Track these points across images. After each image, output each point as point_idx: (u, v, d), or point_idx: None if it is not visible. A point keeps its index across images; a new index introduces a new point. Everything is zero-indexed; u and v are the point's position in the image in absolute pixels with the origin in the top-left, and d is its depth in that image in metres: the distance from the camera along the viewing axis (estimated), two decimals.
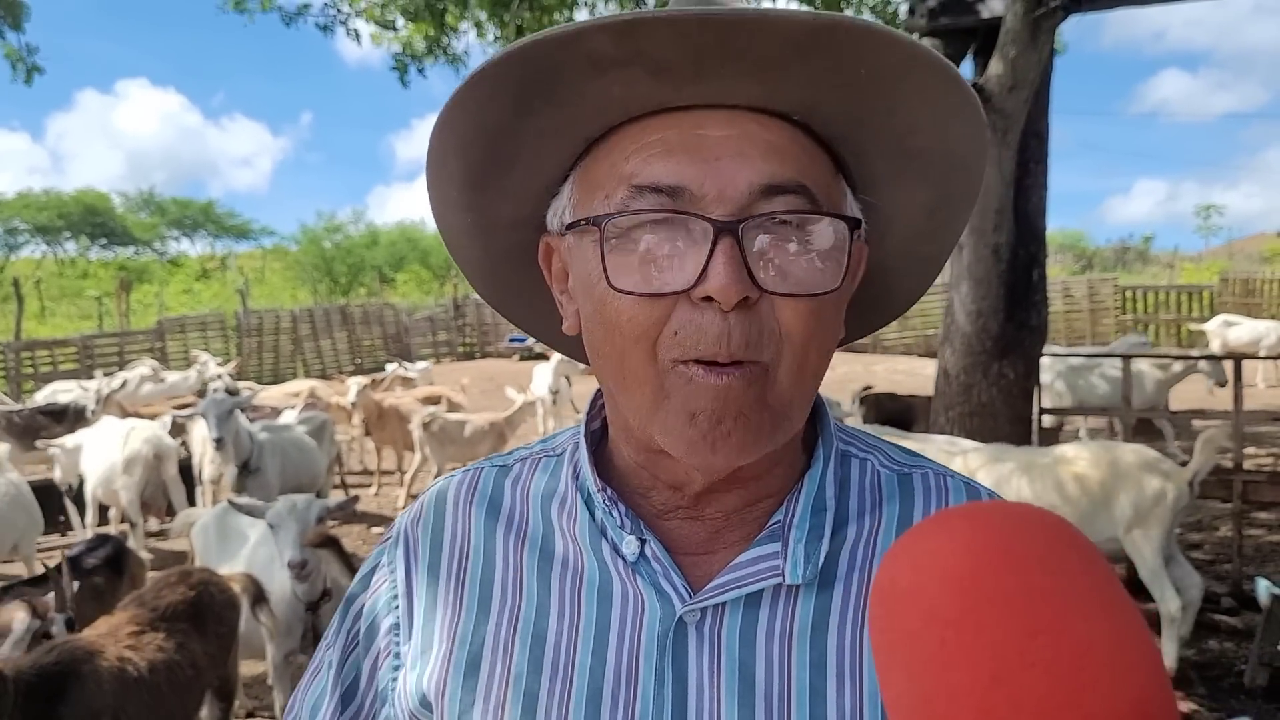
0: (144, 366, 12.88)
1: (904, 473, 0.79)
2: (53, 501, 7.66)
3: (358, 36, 8.22)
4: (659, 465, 0.73)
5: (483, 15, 8.08)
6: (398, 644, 0.81)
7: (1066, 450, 4.84)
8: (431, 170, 0.75)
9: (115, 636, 3.03)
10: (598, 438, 0.81)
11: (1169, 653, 4.46)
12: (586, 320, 0.72)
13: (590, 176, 0.71)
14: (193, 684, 3.26)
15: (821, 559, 0.71)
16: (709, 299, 0.63)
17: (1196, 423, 8.24)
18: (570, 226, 0.71)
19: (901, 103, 0.67)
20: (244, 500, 3.98)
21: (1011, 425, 6.04)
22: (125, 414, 8.58)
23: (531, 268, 0.80)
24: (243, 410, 6.69)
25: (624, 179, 0.67)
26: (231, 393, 7.46)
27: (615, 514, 0.74)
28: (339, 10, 8.27)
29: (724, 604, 0.71)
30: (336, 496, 5.09)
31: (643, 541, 0.73)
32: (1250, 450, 9.07)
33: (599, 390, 0.82)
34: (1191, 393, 12.87)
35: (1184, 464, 4.73)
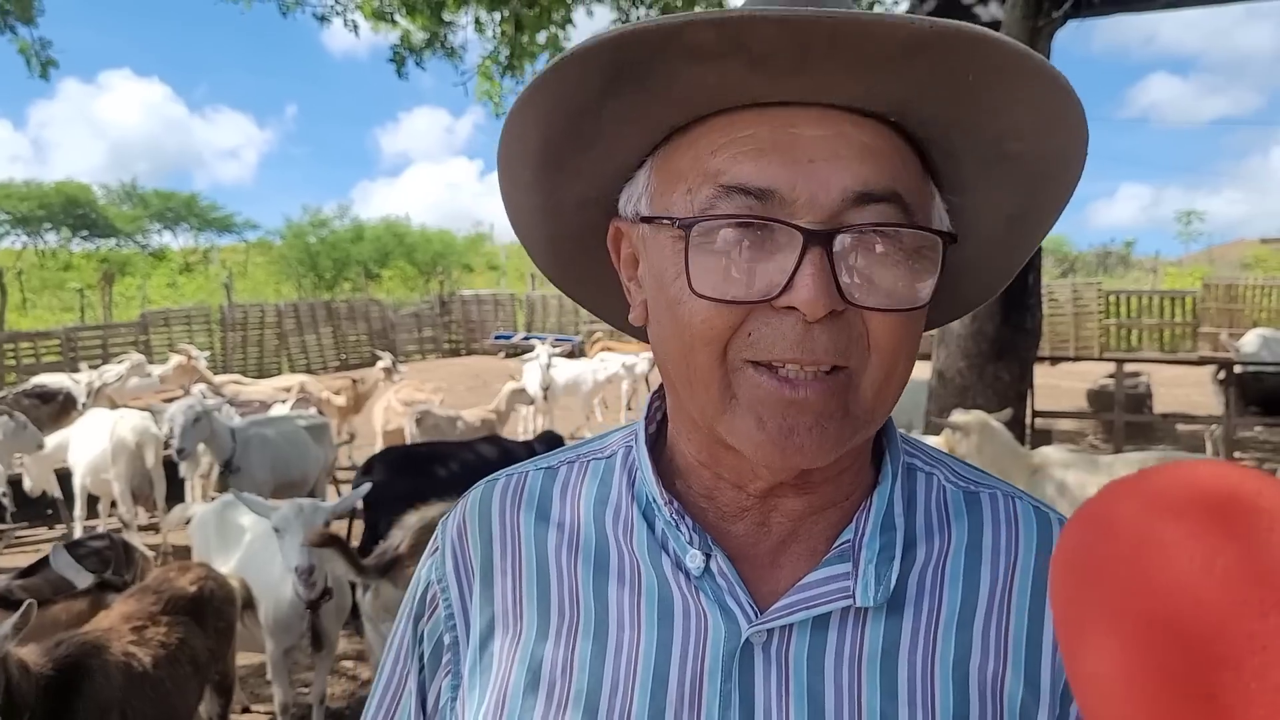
0: (132, 360, 12.74)
1: (971, 490, 0.76)
2: (42, 495, 7.58)
3: (356, 29, 8.17)
4: (723, 462, 0.71)
5: (481, 11, 8.04)
6: (456, 662, 0.78)
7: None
8: (505, 150, 0.72)
9: (119, 631, 3.00)
10: (653, 442, 0.78)
11: None
12: (655, 313, 0.70)
13: (671, 165, 0.68)
14: (193, 678, 3.24)
15: (893, 581, 0.69)
16: (792, 309, 0.61)
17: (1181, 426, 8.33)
18: (649, 220, 0.69)
19: (1007, 108, 0.65)
20: (251, 495, 3.95)
21: (1006, 428, 6.05)
22: (114, 407, 8.47)
23: (598, 250, 0.78)
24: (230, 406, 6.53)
25: (710, 176, 0.64)
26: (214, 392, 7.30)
27: (683, 528, 0.71)
28: (337, 1, 8.21)
29: (791, 625, 0.68)
30: (334, 496, 5.05)
31: (708, 555, 0.70)
32: (1238, 455, 9.15)
33: (654, 393, 0.80)
34: (1185, 396, 12.99)
35: None
